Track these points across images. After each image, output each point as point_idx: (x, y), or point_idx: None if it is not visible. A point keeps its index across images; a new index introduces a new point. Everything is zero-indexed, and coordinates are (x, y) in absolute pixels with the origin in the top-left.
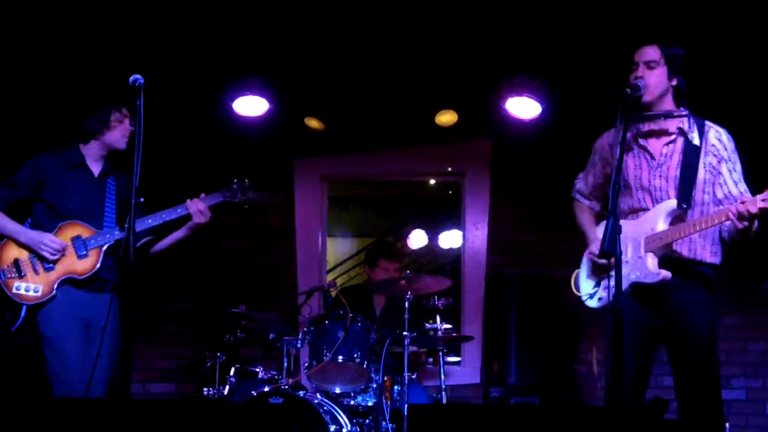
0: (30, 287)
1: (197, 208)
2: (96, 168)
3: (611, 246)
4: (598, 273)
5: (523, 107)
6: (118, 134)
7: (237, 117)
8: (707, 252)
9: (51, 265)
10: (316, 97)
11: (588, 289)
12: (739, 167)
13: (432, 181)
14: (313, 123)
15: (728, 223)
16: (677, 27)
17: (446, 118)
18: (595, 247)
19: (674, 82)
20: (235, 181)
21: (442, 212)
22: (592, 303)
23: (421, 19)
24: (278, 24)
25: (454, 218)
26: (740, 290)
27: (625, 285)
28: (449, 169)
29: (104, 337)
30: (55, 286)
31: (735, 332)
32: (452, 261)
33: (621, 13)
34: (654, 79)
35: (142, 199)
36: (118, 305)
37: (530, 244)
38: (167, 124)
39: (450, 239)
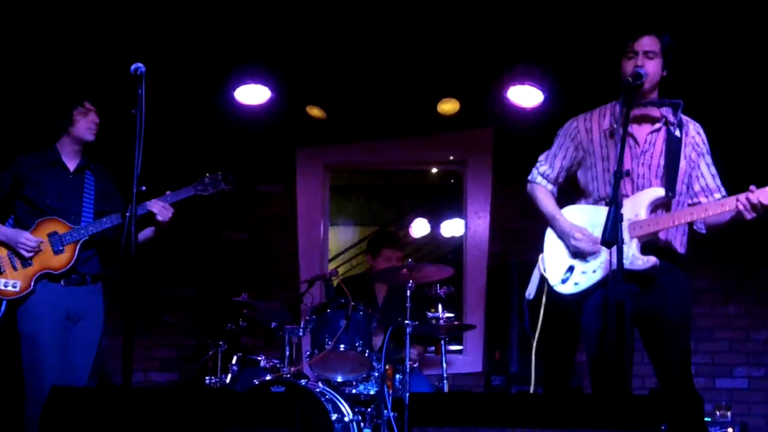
0: (9, 283)
1: (160, 205)
2: (72, 164)
3: (613, 235)
4: (573, 257)
5: (525, 96)
6: (82, 127)
7: (239, 106)
8: (678, 242)
9: (29, 261)
10: (318, 86)
11: (559, 274)
12: (712, 162)
13: (434, 170)
14: (315, 112)
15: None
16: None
17: (448, 106)
18: (578, 233)
19: (665, 74)
20: (208, 174)
21: (444, 201)
22: (565, 288)
23: (423, 8)
24: (280, 13)
25: (455, 207)
26: (742, 279)
27: (606, 272)
28: (451, 157)
29: (85, 329)
30: (33, 282)
31: (737, 321)
32: (454, 249)
33: (621, 1)
34: (653, 69)
35: (144, 188)
36: (102, 296)
37: (532, 232)
38: (169, 113)
39: (452, 228)
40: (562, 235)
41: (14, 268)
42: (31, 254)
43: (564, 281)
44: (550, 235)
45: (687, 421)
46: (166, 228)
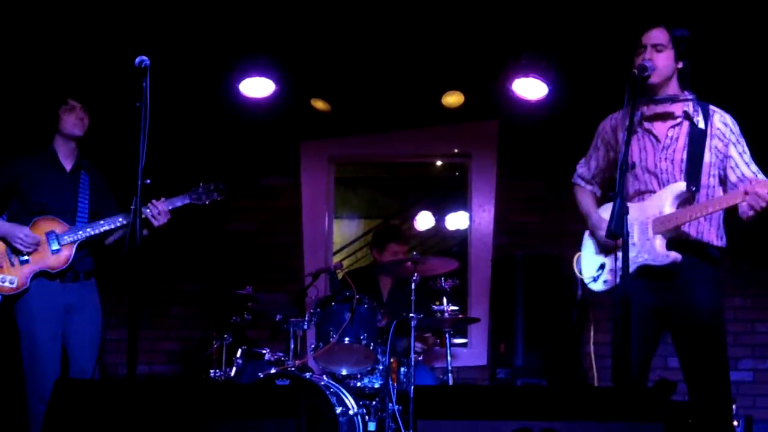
0: (6, 278)
1: (154, 212)
2: (68, 163)
3: (618, 226)
4: (603, 255)
5: (530, 88)
6: (69, 123)
7: (243, 99)
8: (713, 235)
9: (26, 258)
10: (322, 79)
11: (591, 272)
12: (747, 149)
13: (438, 163)
14: (319, 104)
15: (744, 205)
16: (683, 8)
17: (453, 99)
18: (602, 230)
19: (680, 65)
20: (202, 184)
21: (449, 194)
22: (596, 286)
23: (428, 0)
24: (285, 6)
25: (460, 200)
26: (747, 271)
27: (632, 268)
28: (456, 150)
29: (84, 320)
30: (29, 280)
31: (742, 314)
32: (459, 242)
33: None
34: (662, 62)
35: (149, 181)
36: (96, 289)
37: (537, 225)
38: (174, 106)
39: (456, 221)
40: (593, 230)
41: (11, 263)
42: (28, 250)
43: (595, 279)
44: (586, 234)
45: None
46: (159, 232)
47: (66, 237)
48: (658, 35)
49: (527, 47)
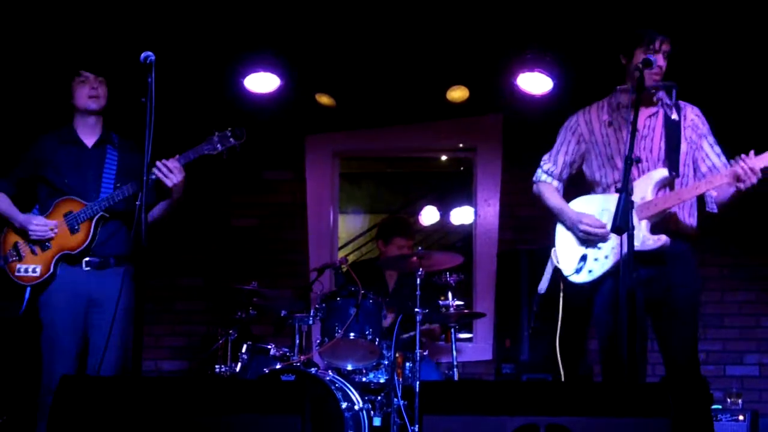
0: (29, 268)
1: (164, 170)
2: (90, 139)
3: (624, 221)
4: (584, 247)
5: (535, 83)
6: (83, 97)
7: (248, 94)
8: (687, 215)
9: (47, 244)
10: (327, 74)
11: (573, 265)
12: (715, 141)
13: (443, 157)
14: (324, 99)
15: (713, 194)
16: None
17: (458, 93)
18: (590, 221)
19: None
20: (216, 132)
21: (454, 188)
22: (579, 278)
23: None
24: (289, 1)
25: (465, 194)
26: (753, 266)
27: (617, 257)
28: (461, 145)
29: (106, 319)
30: (52, 265)
31: (748, 308)
32: (464, 237)
33: None
34: (665, 66)
35: (153, 177)
36: (131, 280)
37: (542, 219)
38: (179, 101)
39: (461, 215)
40: (571, 225)
41: (33, 252)
42: (44, 237)
43: (578, 271)
44: (560, 228)
45: (692, 407)
46: (180, 198)
47: (83, 214)
48: (668, 46)
49: (532, 42)
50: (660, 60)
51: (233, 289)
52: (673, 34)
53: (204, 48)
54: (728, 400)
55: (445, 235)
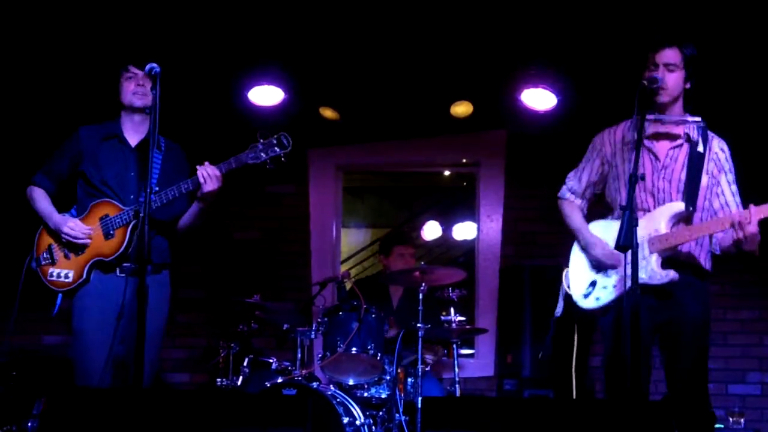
0: (62, 273)
1: (204, 173)
2: (134, 138)
3: (627, 239)
4: (595, 272)
5: (539, 98)
6: (128, 93)
7: (252, 106)
8: (702, 259)
9: (81, 249)
10: (331, 87)
11: (582, 289)
12: (735, 180)
13: (446, 172)
14: (328, 113)
15: (719, 235)
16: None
17: (461, 109)
18: (600, 248)
19: (687, 86)
20: (261, 140)
21: (457, 203)
22: (587, 303)
23: (437, 10)
24: (294, 14)
25: (468, 209)
26: (755, 284)
27: (628, 286)
28: (464, 160)
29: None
30: (86, 271)
31: (750, 326)
32: (466, 252)
33: (636, 5)
34: (672, 82)
35: (156, 188)
36: (168, 286)
37: (545, 235)
38: (183, 113)
39: (464, 230)
40: (586, 247)
41: (66, 257)
42: (76, 241)
43: (586, 296)
44: (575, 250)
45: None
46: (212, 206)
47: (118, 219)
48: (670, 55)
49: (536, 58)
50: (661, 72)
51: (235, 302)
52: (680, 41)
53: (209, 60)
54: (730, 419)
55: (447, 250)
